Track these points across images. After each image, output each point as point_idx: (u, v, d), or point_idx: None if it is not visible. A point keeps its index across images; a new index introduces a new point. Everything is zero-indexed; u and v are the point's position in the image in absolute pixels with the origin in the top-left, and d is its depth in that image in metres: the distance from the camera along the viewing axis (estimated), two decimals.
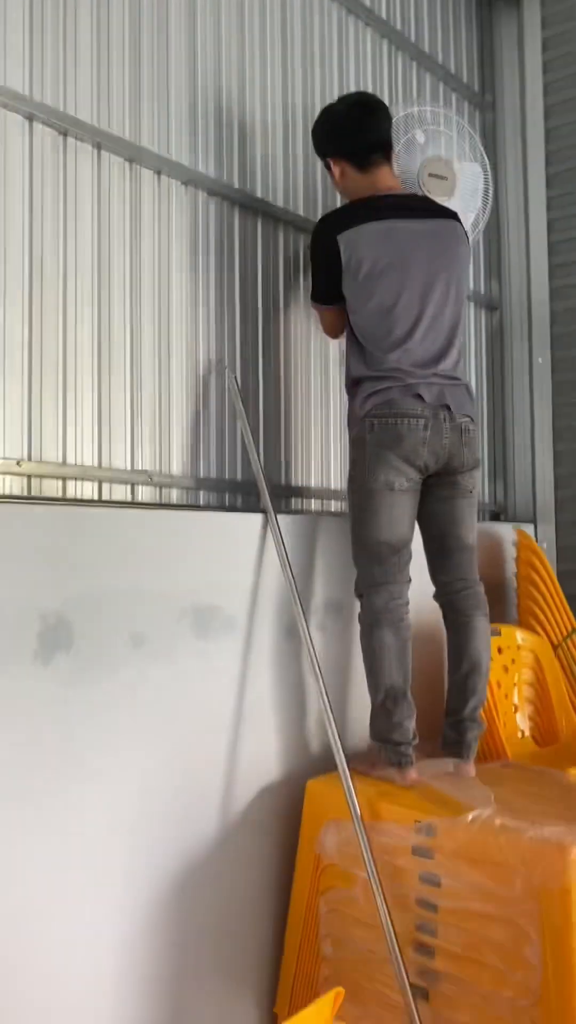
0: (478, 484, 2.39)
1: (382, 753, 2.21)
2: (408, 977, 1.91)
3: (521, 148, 3.58)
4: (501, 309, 3.67)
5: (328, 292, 2.36)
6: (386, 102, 3.10)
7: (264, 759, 2.24)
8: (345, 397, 2.86)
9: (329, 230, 2.31)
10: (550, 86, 3.52)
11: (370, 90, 3.10)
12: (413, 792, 2.12)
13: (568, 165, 3.47)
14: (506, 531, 3.25)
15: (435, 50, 3.44)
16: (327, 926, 2.13)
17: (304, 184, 2.79)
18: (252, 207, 2.57)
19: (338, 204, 2.88)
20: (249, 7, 2.63)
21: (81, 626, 1.83)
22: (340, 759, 2.08)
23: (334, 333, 2.51)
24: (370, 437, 2.22)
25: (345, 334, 2.40)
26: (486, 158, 2.77)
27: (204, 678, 2.09)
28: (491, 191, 2.80)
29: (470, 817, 1.90)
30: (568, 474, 3.43)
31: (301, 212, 2.75)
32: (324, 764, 2.34)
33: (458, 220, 2.39)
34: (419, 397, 2.21)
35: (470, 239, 2.48)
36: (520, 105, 3.62)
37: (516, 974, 1.80)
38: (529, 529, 3.37)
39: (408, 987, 1.89)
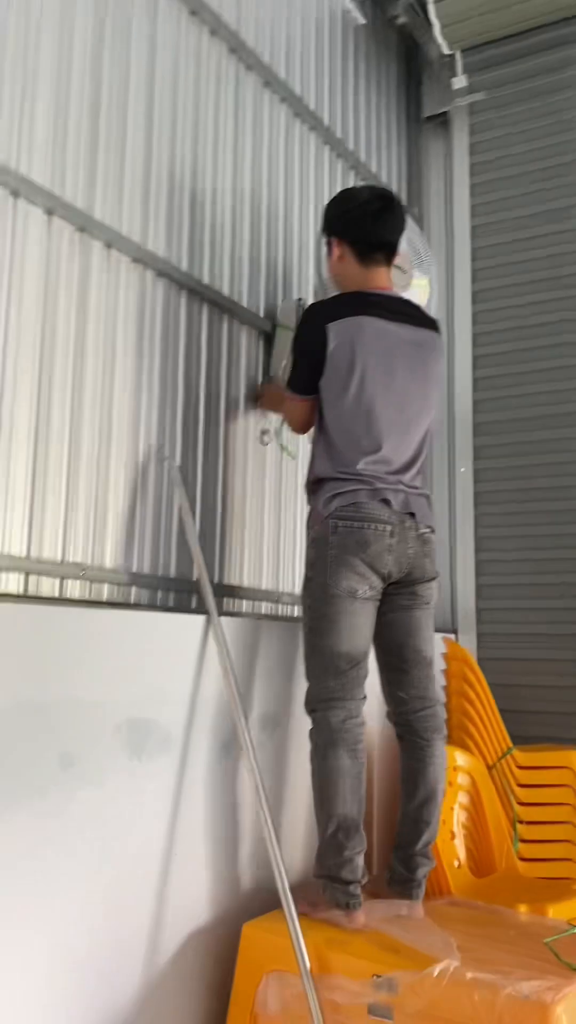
0: (436, 596, 2.28)
1: (327, 892, 1.99)
2: None
3: (447, 264, 3.66)
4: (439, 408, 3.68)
5: (308, 381, 2.23)
6: (325, 203, 3.17)
7: (195, 897, 1.98)
8: (291, 496, 2.77)
9: (319, 317, 2.20)
10: (476, 208, 3.64)
11: (312, 192, 3.10)
12: (363, 939, 1.90)
13: (492, 283, 3.56)
14: None
15: (370, 160, 3.51)
16: None
17: (249, 275, 2.71)
18: (199, 292, 2.46)
19: (291, 297, 2.83)
20: (204, 98, 2.58)
21: (5, 744, 1.56)
22: (286, 900, 1.85)
23: (303, 427, 2.36)
24: (333, 539, 2.09)
25: (313, 429, 2.28)
26: (434, 271, 2.78)
27: (135, 803, 1.84)
28: (433, 301, 2.80)
29: (436, 970, 1.70)
30: (489, 584, 3.39)
31: (244, 303, 2.66)
32: (260, 903, 2.10)
33: (438, 332, 2.35)
34: (386, 502, 2.11)
35: None
36: (447, 222, 3.72)
37: None
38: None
39: None
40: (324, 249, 2.44)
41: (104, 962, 1.73)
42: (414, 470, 2.22)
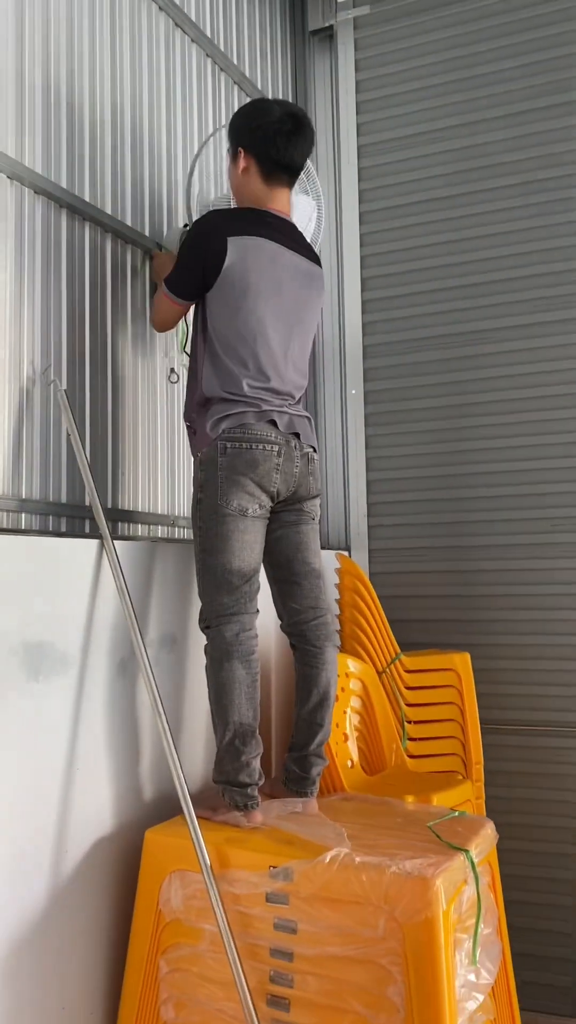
0: (319, 512, 2.36)
1: (227, 796, 2.09)
2: None
3: (334, 184, 3.65)
4: (315, 341, 3.71)
5: (190, 287, 2.24)
6: (209, 119, 3.11)
7: (98, 808, 2.04)
8: (180, 419, 2.78)
9: (221, 228, 2.18)
10: (363, 127, 3.63)
11: (195, 107, 3.03)
12: (261, 835, 2.01)
13: (380, 204, 3.58)
14: (325, 557, 3.25)
15: (254, 75, 3.44)
16: (169, 988, 1.96)
17: (133, 193, 2.65)
18: (80, 211, 2.40)
19: (176, 225, 2.79)
20: (79, 7, 2.47)
21: None
22: (186, 804, 1.93)
23: (165, 326, 2.44)
24: (223, 460, 2.13)
25: (197, 347, 2.28)
26: (320, 191, 2.77)
27: (34, 722, 1.87)
28: (322, 225, 2.80)
29: (328, 857, 1.83)
30: (379, 503, 3.50)
31: (129, 222, 2.61)
32: (159, 811, 2.18)
33: (320, 265, 2.41)
34: (272, 424, 2.17)
35: None
36: (334, 141, 3.70)
37: (379, 1017, 1.74)
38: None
39: None
40: (228, 155, 2.39)
41: (9, 872, 1.79)
42: (299, 393, 2.29)
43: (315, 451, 2.31)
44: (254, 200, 2.29)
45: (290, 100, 3.73)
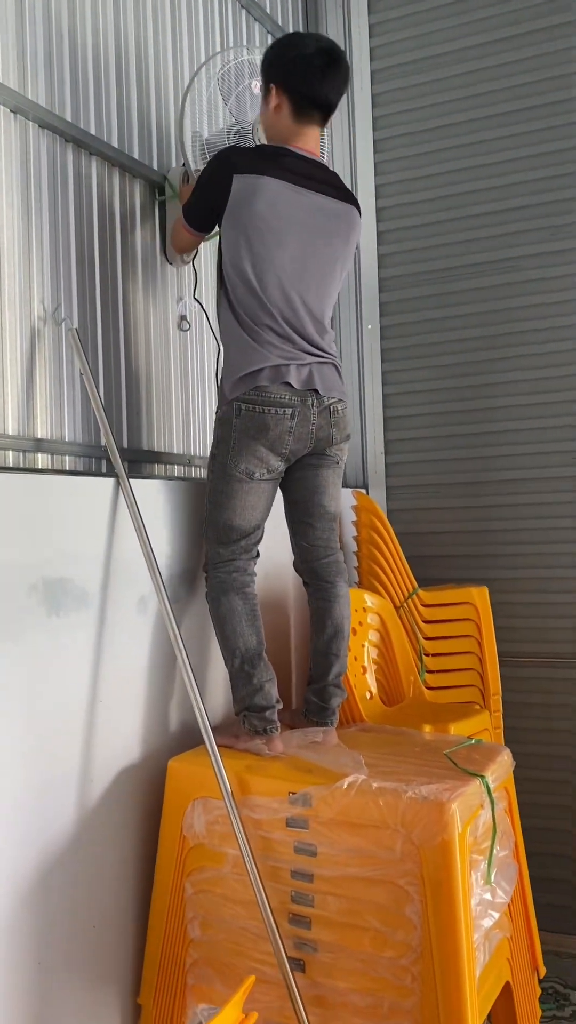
0: (345, 456, 2.36)
1: (246, 723, 2.13)
2: (285, 950, 1.86)
3: (347, 111, 3.56)
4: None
5: (202, 219, 2.27)
6: (216, 47, 3.02)
7: (121, 740, 2.09)
8: (198, 359, 2.80)
9: (228, 164, 2.14)
10: (376, 50, 3.52)
11: (201, 31, 2.95)
12: (281, 763, 2.06)
13: (395, 132, 3.49)
14: (344, 495, 3.25)
15: None
16: (194, 908, 2.03)
17: (139, 126, 2.60)
18: (86, 144, 2.36)
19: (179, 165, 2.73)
20: None
21: None
22: (207, 733, 1.98)
23: (183, 251, 2.49)
24: (236, 422, 2.14)
25: (218, 296, 2.25)
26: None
27: (57, 656, 1.91)
28: (330, 150, 2.74)
29: (346, 783, 1.87)
30: (396, 440, 3.49)
31: (136, 155, 2.57)
32: (183, 742, 2.23)
33: (358, 208, 2.31)
34: (288, 385, 2.13)
35: None
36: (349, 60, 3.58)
37: (397, 934, 1.80)
38: None
39: (285, 959, 1.84)
40: (261, 92, 2.32)
41: (39, 801, 1.84)
42: (318, 341, 2.21)
43: (341, 400, 2.26)
44: (280, 139, 2.23)
45: (301, 22, 3.62)
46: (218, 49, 3.01)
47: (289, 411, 2.14)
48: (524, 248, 3.26)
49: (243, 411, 2.13)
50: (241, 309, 2.16)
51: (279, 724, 2.14)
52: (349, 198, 2.30)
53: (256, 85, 2.69)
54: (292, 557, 2.40)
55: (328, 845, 1.87)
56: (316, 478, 2.29)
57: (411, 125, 3.45)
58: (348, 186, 3.49)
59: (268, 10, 3.35)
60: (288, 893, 1.91)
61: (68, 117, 2.31)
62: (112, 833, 2.05)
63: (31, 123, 2.20)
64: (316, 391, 2.19)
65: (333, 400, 2.23)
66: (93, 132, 2.40)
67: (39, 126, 2.22)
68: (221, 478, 2.17)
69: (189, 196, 2.30)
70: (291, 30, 3.51)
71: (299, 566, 2.36)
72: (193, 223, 2.29)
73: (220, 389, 2.23)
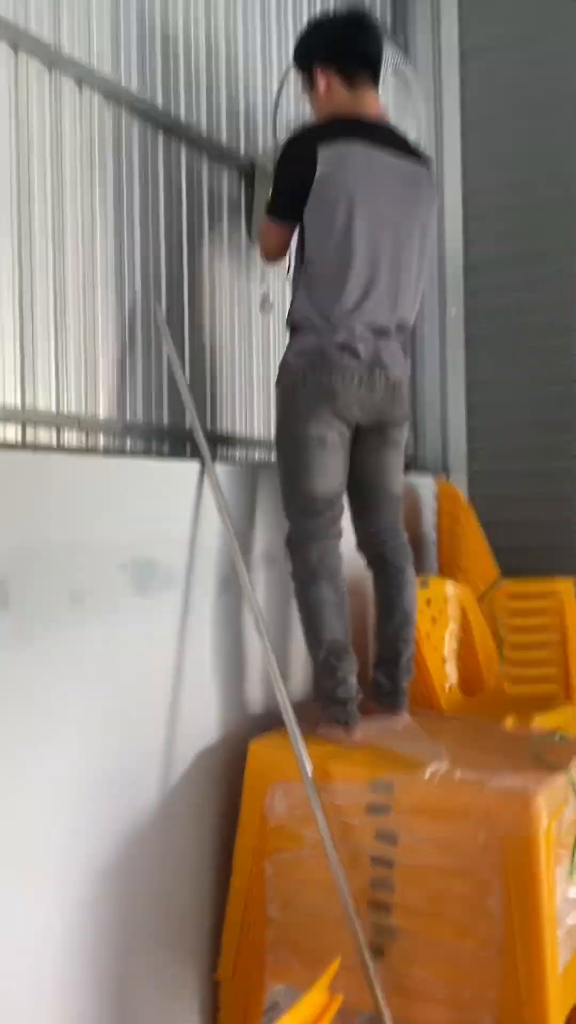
0: (406, 436, 2.33)
1: (327, 712, 2.13)
2: (364, 936, 1.86)
3: (435, 93, 3.50)
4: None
5: (288, 206, 2.15)
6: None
7: (204, 720, 2.13)
8: (281, 344, 2.75)
9: (309, 139, 2.09)
10: (466, 30, 3.45)
11: (290, 16, 2.93)
12: (362, 750, 2.06)
13: (484, 112, 3.42)
14: (421, 481, 3.23)
15: None
16: (274, 889, 2.05)
17: (227, 113, 2.61)
18: (176, 131, 2.38)
19: (269, 142, 2.72)
20: None
21: (17, 583, 1.64)
22: (289, 717, 1.99)
23: (274, 254, 2.33)
24: (302, 389, 2.12)
25: (292, 266, 2.24)
26: (419, 97, 2.66)
27: (144, 636, 1.95)
28: (422, 129, 2.70)
29: (428, 772, 1.86)
30: (480, 426, 3.43)
31: (224, 142, 2.58)
32: (263, 724, 2.25)
33: (430, 166, 2.26)
34: (354, 353, 2.10)
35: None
36: (434, 48, 3.53)
37: (478, 925, 1.78)
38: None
39: (364, 945, 1.85)
40: (305, 90, 2.29)
41: (124, 776, 1.88)
42: (396, 315, 2.17)
43: (404, 377, 2.23)
44: (345, 113, 2.18)
45: (389, 4, 3.57)
46: None
47: (356, 377, 2.11)
48: None
49: (308, 377, 2.11)
50: (319, 291, 2.13)
51: (358, 715, 2.13)
52: (423, 158, 2.26)
53: None
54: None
55: (409, 833, 1.86)
56: (379, 460, 2.26)
57: (502, 106, 3.37)
58: (435, 167, 3.47)
59: None
60: (368, 879, 1.91)
61: (159, 104, 2.33)
62: (193, 812, 2.08)
63: (123, 110, 2.22)
64: (383, 364, 2.15)
65: (396, 375, 2.19)
66: (183, 119, 2.41)
67: (131, 112, 2.24)
68: (292, 447, 2.14)
69: (271, 192, 2.24)
70: (377, 15, 3.46)
71: (364, 549, 2.34)
72: (280, 212, 2.20)
73: (283, 362, 2.20)
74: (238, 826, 2.10)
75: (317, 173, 2.06)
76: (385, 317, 2.15)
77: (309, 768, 1.94)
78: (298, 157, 2.10)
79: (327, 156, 2.06)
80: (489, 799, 1.77)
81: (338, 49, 2.16)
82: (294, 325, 2.19)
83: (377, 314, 2.14)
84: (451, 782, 1.83)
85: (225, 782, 2.15)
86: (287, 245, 2.25)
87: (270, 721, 2.24)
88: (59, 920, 1.73)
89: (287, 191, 2.16)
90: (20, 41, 1.92)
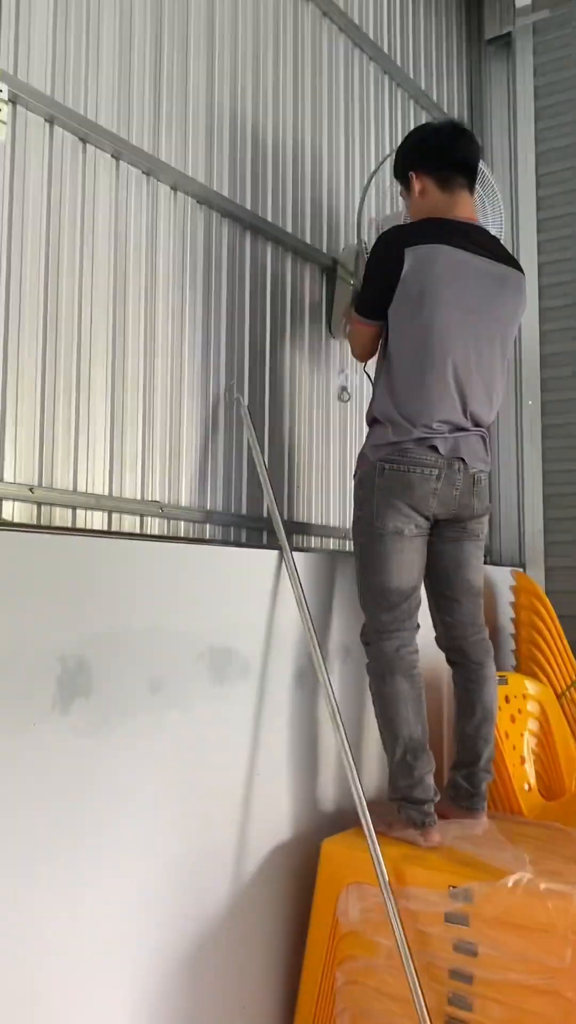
0: (486, 529, 2.30)
1: (403, 812, 2.07)
2: None
3: (511, 191, 3.59)
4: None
5: (375, 305, 2.18)
6: (385, 135, 3.13)
7: (277, 815, 2.08)
8: (357, 434, 2.80)
9: (398, 239, 2.14)
10: (541, 133, 3.55)
11: (372, 124, 3.06)
12: (439, 854, 1.98)
13: (557, 212, 3.48)
14: (499, 574, 3.18)
15: (430, 88, 3.44)
16: (345, 999, 1.96)
17: (311, 212, 2.71)
18: (263, 230, 2.48)
19: (352, 242, 2.80)
20: (264, 34, 2.57)
21: (100, 670, 1.66)
22: (365, 818, 1.93)
23: (365, 354, 2.35)
24: (379, 481, 2.11)
25: (378, 370, 2.27)
26: (499, 199, 2.72)
27: (219, 726, 1.93)
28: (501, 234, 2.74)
29: (511, 881, 1.77)
30: (557, 518, 3.39)
31: (308, 239, 2.67)
32: (336, 822, 2.19)
33: (522, 272, 2.28)
34: (434, 448, 2.10)
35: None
36: (511, 149, 3.63)
37: None
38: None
39: None
40: (401, 199, 2.37)
41: (194, 871, 1.85)
42: (480, 414, 2.17)
43: (484, 471, 2.21)
44: (439, 215, 2.22)
45: (466, 109, 3.70)
46: (387, 138, 3.11)
47: (435, 472, 2.10)
48: None
49: (387, 470, 2.10)
50: (400, 387, 2.14)
51: (436, 817, 2.06)
52: (513, 262, 2.27)
53: None
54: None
55: (490, 946, 1.77)
56: (459, 552, 2.23)
57: (573, 205, 3.43)
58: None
59: (435, 98, 3.45)
60: (445, 994, 1.82)
61: (248, 206, 2.44)
62: (263, 911, 2.02)
63: (215, 212, 2.33)
64: (462, 459, 2.14)
65: (477, 470, 2.18)
66: (269, 219, 2.51)
67: (221, 215, 2.35)
68: (370, 539, 2.13)
69: (361, 291, 2.29)
70: (456, 117, 3.59)
71: (444, 643, 2.29)
72: (367, 311, 2.22)
73: (361, 455, 2.20)
74: (308, 930, 2.03)
75: (404, 271, 2.10)
76: (464, 416, 2.15)
77: (385, 871, 1.87)
78: (386, 256, 2.14)
79: (413, 256, 2.10)
80: (575, 914, 1.67)
81: (433, 154, 2.23)
82: (373, 419, 2.20)
83: (455, 413, 2.13)
84: (535, 892, 1.74)
85: (297, 882, 2.09)
86: (376, 343, 2.27)
87: (344, 820, 2.18)
88: (127, 1019, 1.68)
89: (374, 289, 2.19)
90: (122, 150, 2.05)
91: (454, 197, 2.22)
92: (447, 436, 2.12)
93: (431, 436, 2.11)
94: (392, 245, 2.13)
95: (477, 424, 2.19)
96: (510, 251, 3.47)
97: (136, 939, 1.71)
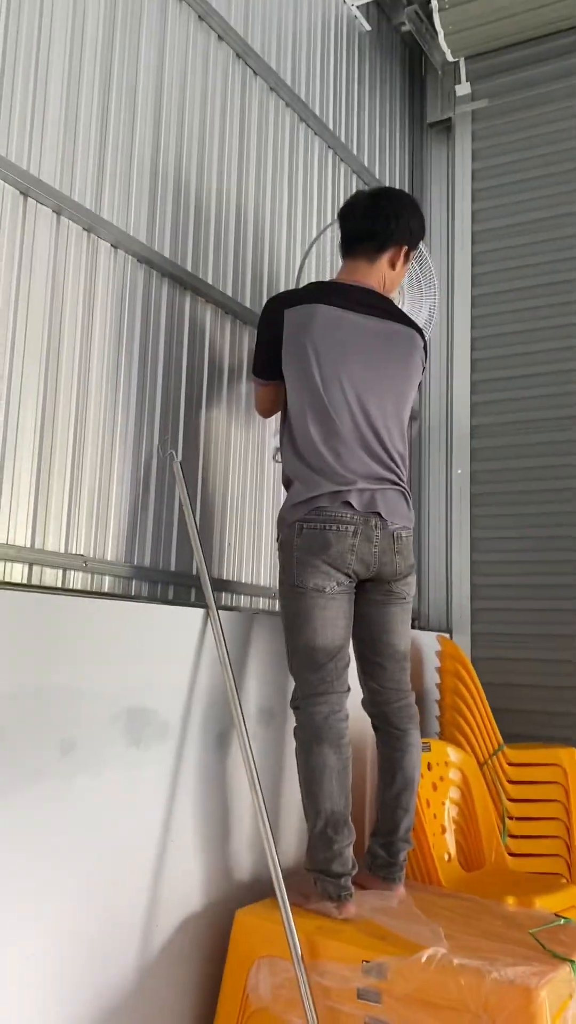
0: (412, 590, 2.30)
1: (319, 885, 2.02)
2: None
3: (448, 270, 3.71)
4: (421, 419, 3.73)
5: (266, 365, 2.29)
6: (328, 206, 3.22)
7: (190, 883, 2.02)
8: (279, 492, 2.81)
9: (278, 302, 2.27)
10: (477, 214, 3.69)
11: (315, 196, 3.15)
12: (354, 927, 1.94)
13: (491, 289, 3.61)
14: (427, 639, 3.19)
15: (372, 165, 3.56)
16: None
17: (252, 278, 2.76)
18: (203, 292, 2.50)
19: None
20: (211, 102, 2.63)
21: (11, 729, 1.60)
22: (280, 888, 1.89)
23: (266, 411, 2.46)
24: (298, 542, 2.12)
25: (282, 431, 2.31)
26: (435, 279, 2.81)
27: (132, 790, 1.88)
28: (435, 311, 2.83)
29: (424, 956, 1.74)
30: (484, 585, 3.43)
31: (248, 304, 2.71)
32: (253, 891, 2.14)
33: (419, 332, 2.34)
34: (348, 504, 2.11)
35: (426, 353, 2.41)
36: (448, 227, 3.77)
37: None
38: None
39: None
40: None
41: (101, 941, 1.77)
42: (384, 464, 2.18)
43: (406, 528, 2.22)
44: (331, 279, 2.37)
45: (406, 187, 3.83)
46: (329, 208, 3.20)
47: (351, 528, 2.10)
48: None
49: (304, 530, 2.11)
50: (301, 443, 2.17)
51: (353, 891, 2.02)
52: (406, 321, 2.33)
53: None
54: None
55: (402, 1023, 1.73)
56: (384, 616, 2.22)
57: (508, 283, 3.56)
58: (446, 337, 3.63)
59: (377, 175, 3.57)
60: None
61: (188, 267, 2.47)
62: (173, 984, 1.94)
63: (155, 271, 2.35)
64: (379, 514, 2.15)
65: (397, 527, 2.18)
66: (210, 282, 2.55)
67: (161, 275, 2.37)
68: (293, 600, 2.12)
69: (255, 353, 2.38)
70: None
71: (369, 708, 2.28)
72: (260, 371, 2.33)
73: (280, 518, 2.22)
74: (217, 1006, 1.96)
75: (284, 333, 2.21)
76: (371, 463, 2.16)
77: (299, 947, 1.82)
78: (267, 318, 2.28)
79: (292, 317, 2.21)
80: (489, 991, 1.65)
81: (343, 224, 2.37)
82: (287, 479, 2.23)
83: (357, 461, 2.14)
84: (449, 969, 1.71)
85: (209, 952, 2.02)
86: (275, 401, 2.36)
87: (261, 889, 2.13)
88: None
89: (261, 349, 2.31)
90: (64, 206, 2.06)
91: (354, 262, 2.35)
92: (362, 489, 2.13)
93: (344, 490, 2.12)
94: (272, 308, 2.28)
95: (391, 473, 2.19)
96: (446, 326, 3.62)
97: (36, 1015, 1.63)
